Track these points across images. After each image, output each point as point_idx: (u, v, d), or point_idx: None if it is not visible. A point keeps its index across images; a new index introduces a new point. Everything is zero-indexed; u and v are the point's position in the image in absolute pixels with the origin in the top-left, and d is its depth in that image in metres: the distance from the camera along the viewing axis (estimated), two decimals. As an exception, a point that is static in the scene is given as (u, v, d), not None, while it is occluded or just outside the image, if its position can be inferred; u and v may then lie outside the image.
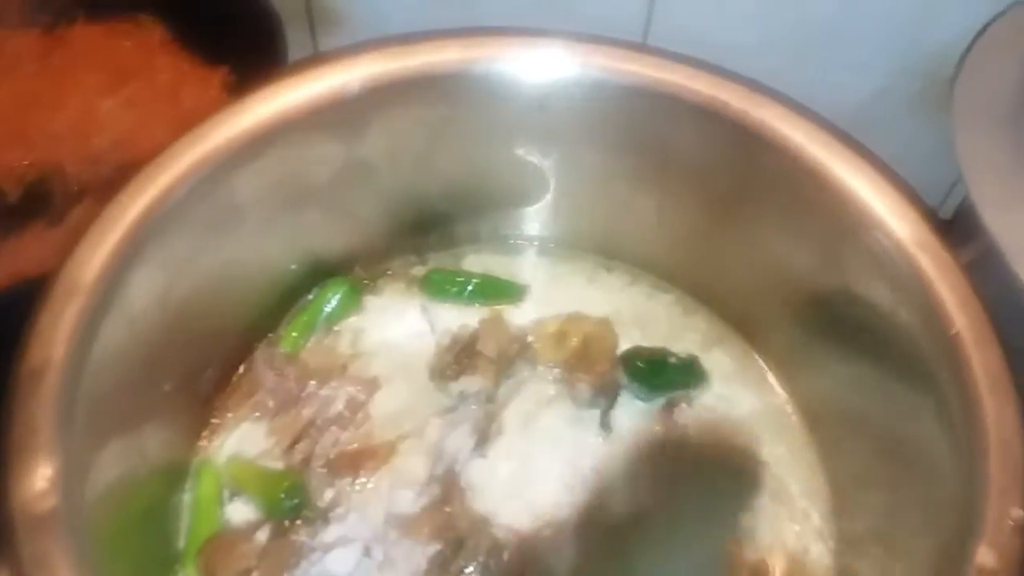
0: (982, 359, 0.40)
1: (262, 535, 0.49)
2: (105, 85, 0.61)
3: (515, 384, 0.55)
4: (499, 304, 0.59)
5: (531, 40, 0.51)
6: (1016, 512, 0.37)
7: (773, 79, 0.50)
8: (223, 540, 0.49)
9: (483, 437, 0.53)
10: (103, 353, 0.43)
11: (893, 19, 0.57)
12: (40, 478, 0.38)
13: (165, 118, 0.59)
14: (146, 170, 0.46)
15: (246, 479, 0.52)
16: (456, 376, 0.54)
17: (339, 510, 0.50)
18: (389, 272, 0.61)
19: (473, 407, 0.54)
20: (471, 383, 0.54)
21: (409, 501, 0.50)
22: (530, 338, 0.57)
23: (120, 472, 0.46)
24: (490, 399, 0.54)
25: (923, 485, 0.44)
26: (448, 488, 0.51)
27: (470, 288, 0.60)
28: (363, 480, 0.52)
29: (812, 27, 0.58)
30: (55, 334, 0.41)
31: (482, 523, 0.49)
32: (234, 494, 0.52)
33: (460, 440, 0.52)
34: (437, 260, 0.61)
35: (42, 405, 0.40)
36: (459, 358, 0.54)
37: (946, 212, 0.62)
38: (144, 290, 0.46)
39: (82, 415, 0.42)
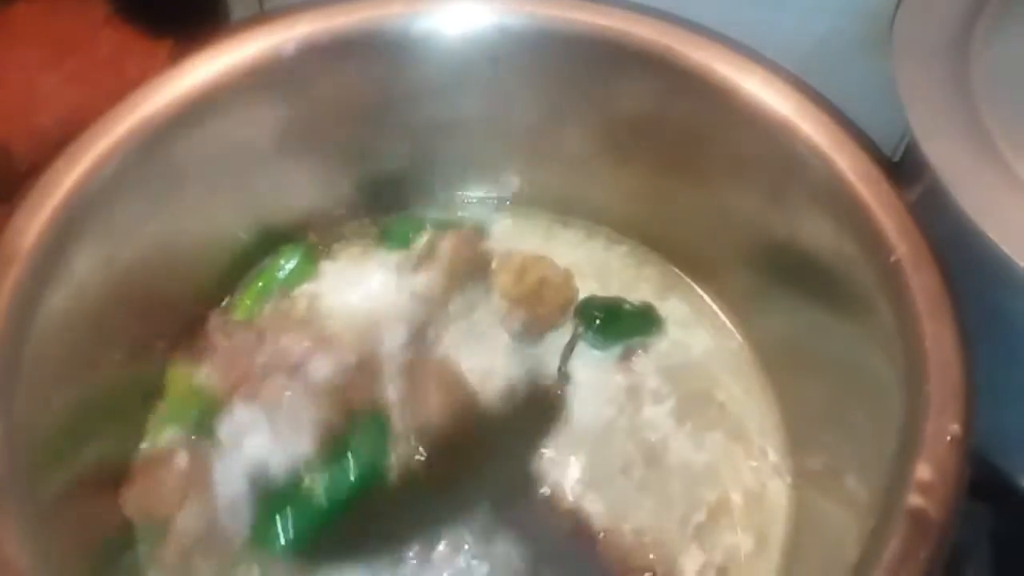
0: (920, 282, 0.40)
1: (182, 460, 0.49)
2: (47, 61, 0.60)
3: (465, 303, 0.55)
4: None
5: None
6: (953, 427, 0.37)
7: (724, 25, 0.50)
8: (146, 481, 0.49)
9: (418, 336, 0.53)
10: (47, 322, 0.43)
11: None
12: (-19, 445, 0.38)
13: (110, 92, 0.58)
14: (83, 136, 0.46)
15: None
16: (415, 271, 0.54)
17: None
18: (344, 237, 0.60)
19: (417, 306, 0.54)
20: (423, 282, 0.54)
21: (325, 375, 0.51)
22: (494, 265, 0.57)
23: (71, 440, 0.45)
24: (436, 303, 0.54)
25: (873, 415, 0.44)
26: (366, 370, 0.51)
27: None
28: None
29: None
30: (-6, 303, 0.41)
31: (390, 405, 0.50)
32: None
33: (393, 335, 0.53)
34: (391, 223, 0.61)
35: (-19, 372, 0.40)
36: (421, 257, 0.55)
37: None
38: (87, 258, 0.45)
39: (26, 384, 0.41)
